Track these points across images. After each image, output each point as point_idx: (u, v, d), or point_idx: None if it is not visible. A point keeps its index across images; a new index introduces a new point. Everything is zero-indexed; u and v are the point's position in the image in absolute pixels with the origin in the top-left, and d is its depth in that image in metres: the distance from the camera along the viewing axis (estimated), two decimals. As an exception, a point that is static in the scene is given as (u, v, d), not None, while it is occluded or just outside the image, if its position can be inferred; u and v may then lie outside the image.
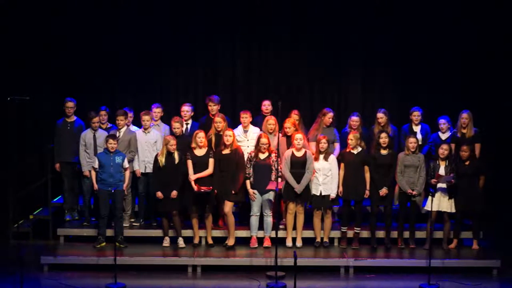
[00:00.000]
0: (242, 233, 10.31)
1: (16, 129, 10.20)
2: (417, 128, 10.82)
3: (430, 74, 12.19)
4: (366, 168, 10.11)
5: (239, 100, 12.44)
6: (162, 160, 9.99)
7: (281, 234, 9.99)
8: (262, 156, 9.98)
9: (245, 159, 10.05)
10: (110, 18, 12.14)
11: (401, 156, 10.13)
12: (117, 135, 10.34)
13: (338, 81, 12.54)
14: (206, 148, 10.05)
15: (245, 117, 10.43)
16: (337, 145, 10.62)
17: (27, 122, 11.49)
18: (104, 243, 10.10)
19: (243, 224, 10.41)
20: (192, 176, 9.95)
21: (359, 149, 10.14)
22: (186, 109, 10.74)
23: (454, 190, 10.01)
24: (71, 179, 10.93)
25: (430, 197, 9.93)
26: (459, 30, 12.09)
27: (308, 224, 10.28)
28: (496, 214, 11.46)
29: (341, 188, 10.10)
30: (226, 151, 10.00)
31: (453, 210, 10.06)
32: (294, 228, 10.19)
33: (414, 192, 10.05)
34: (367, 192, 10.11)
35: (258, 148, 9.98)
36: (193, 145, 10.03)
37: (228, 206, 10.00)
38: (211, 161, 9.99)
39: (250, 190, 9.97)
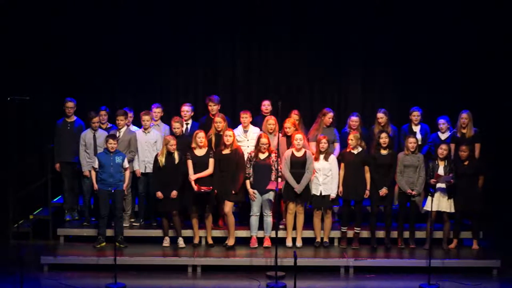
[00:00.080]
0: (242, 233, 10.31)
1: (16, 129, 10.20)
2: (416, 128, 10.83)
3: (430, 74, 12.19)
4: (366, 168, 10.11)
5: (239, 100, 12.44)
6: (162, 160, 9.99)
7: (281, 234, 9.99)
8: (262, 156, 9.98)
9: (245, 159, 10.05)
10: (110, 18, 12.14)
11: (401, 156, 10.13)
12: (117, 135, 10.34)
13: (338, 81, 12.55)
14: (206, 148, 10.05)
15: (245, 117, 10.43)
16: (337, 145, 10.62)
17: (27, 122, 11.49)
18: (104, 243, 10.10)
19: (243, 224, 10.41)
20: (192, 176, 9.95)
21: (359, 149, 10.15)
22: (186, 109, 10.74)
23: (453, 190, 10.01)
24: (71, 179, 10.93)
25: (429, 197, 9.95)
26: (459, 30, 12.10)
27: (308, 224, 10.28)
28: (495, 214, 11.46)
29: (341, 188, 10.10)
30: (226, 151, 10.00)
31: (453, 210, 10.07)
32: (294, 228, 10.19)
33: (413, 192, 10.06)
34: (367, 192, 10.11)
35: (258, 148, 9.98)
36: (193, 145, 10.03)
37: (228, 206, 10.00)
38: (211, 161, 9.99)
39: (250, 190, 9.97)
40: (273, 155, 9.93)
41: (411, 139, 10.10)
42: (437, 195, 10.03)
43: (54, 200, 11.48)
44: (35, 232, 11.06)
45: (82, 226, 10.68)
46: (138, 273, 9.57)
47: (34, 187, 11.30)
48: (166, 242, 10.19)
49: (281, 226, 10.22)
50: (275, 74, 12.46)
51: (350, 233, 10.28)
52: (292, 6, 12.29)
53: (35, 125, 11.82)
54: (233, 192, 9.95)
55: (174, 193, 9.96)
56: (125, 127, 10.53)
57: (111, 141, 9.96)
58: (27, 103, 10.09)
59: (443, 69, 12.18)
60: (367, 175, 10.12)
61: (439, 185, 9.97)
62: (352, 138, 10.10)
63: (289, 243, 10.15)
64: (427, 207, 9.95)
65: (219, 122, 10.23)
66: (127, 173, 10.18)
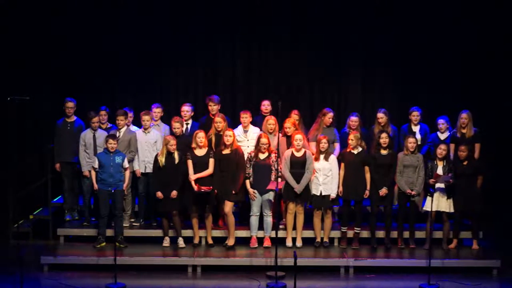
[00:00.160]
0: (242, 233, 10.31)
1: (16, 129, 10.19)
2: (416, 128, 10.83)
3: (430, 74, 12.20)
4: (366, 168, 10.11)
5: (239, 100, 12.44)
6: (162, 160, 9.99)
7: (281, 234, 9.99)
8: (262, 156, 9.98)
9: (245, 159, 10.05)
10: (110, 18, 12.14)
11: (400, 156, 10.13)
12: (117, 135, 10.34)
13: (338, 81, 12.55)
14: (206, 148, 10.05)
15: (245, 117, 10.43)
16: (337, 145, 10.62)
17: (27, 122, 11.49)
18: (104, 243, 10.10)
19: (243, 224, 10.41)
20: (192, 176, 9.95)
21: (359, 149, 10.15)
22: (186, 109, 10.74)
23: (452, 190, 10.01)
24: (71, 179, 10.93)
25: (429, 197, 9.96)
26: (459, 30, 12.10)
27: (308, 224, 10.28)
28: (495, 214, 11.47)
29: (341, 188, 10.10)
30: (226, 151, 10.00)
31: (452, 210, 10.07)
32: (294, 228, 10.19)
33: (413, 192, 10.06)
34: (367, 192, 10.11)
35: (258, 148, 9.98)
36: (193, 145, 10.03)
37: (228, 206, 10.00)
38: (211, 161, 9.99)
39: (250, 190, 9.97)
40: (273, 155, 9.93)
41: (411, 139, 10.10)
42: (436, 195, 10.03)
43: (54, 200, 11.48)
44: (35, 232, 11.06)
45: (82, 226, 10.68)
46: (138, 273, 9.57)
47: (34, 187, 11.30)
48: (166, 242, 10.19)
49: (281, 226, 10.22)
50: (275, 74, 12.46)
51: (350, 233, 10.28)
52: (292, 6, 12.29)
53: (35, 125, 11.82)
54: (233, 192, 9.95)
55: (174, 193, 9.96)
56: (125, 127, 10.53)
57: (111, 141, 9.96)
58: (27, 103, 10.09)
59: (443, 69, 12.18)
60: (367, 175, 10.12)
61: (438, 185, 9.96)
62: (353, 138, 10.10)
63: (289, 243, 10.15)
64: (427, 207, 9.96)
65: (219, 122, 10.23)
66: (127, 173, 10.18)
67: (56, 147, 10.90)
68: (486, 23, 11.99)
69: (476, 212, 10.11)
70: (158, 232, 10.40)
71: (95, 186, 10.11)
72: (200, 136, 9.99)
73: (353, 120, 10.61)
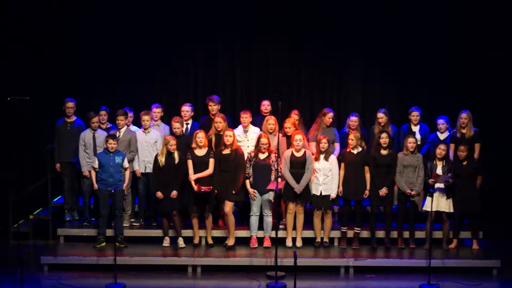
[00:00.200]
0: (242, 233, 10.31)
1: (16, 129, 10.19)
2: (415, 128, 10.83)
3: (430, 74, 12.20)
4: (366, 168, 10.11)
5: (239, 100, 12.44)
6: (162, 160, 9.99)
7: (281, 234, 9.99)
8: (262, 156, 9.97)
9: (245, 159, 10.05)
10: (110, 18, 12.15)
11: (400, 156, 10.13)
12: (117, 135, 10.33)
13: (338, 81, 12.54)
14: (207, 148, 10.05)
15: (245, 117, 10.43)
16: (337, 145, 10.62)
17: (27, 122, 11.48)
18: (104, 243, 10.09)
19: (243, 224, 10.42)
20: (192, 176, 9.95)
21: (359, 149, 10.14)
22: (186, 109, 10.74)
23: (452, 190, 10.01)
24: (71, 179, 10.93)
25: (428, 197, 9.96)
26: (459, 30, 12.10)
27: (308, 224, 10.28)
28: (495, 214, 11.47)
29: (341, 188, 10.10)
30: (226, 151, 10.00)
31: (451, 210, 10.07)
32: (294, 228, 10.19)
33: (413, 192, 10.06)
34: (367, 192, 10.11)
35: (258, 148, 9.98)
36: (193, 145, 10.03)
37: (229, 206, 10.00)
38: (211, 161, 9.99)
39: (250, 190, 9.97)
40: (273, 155, 9.93)
41: (411, 139, 10.10)
42: (436, 195, 10.03)
43: (54, 200, 11.48)
44: (35, 232, 11.07)
45: (82, 226, 10.68)
46: (138, 273, 9.56)
47: (34, 187, 11.30)
48: (166, 242, 10.19)
49: (281, 226, 10.22)
50: (275, 74, 12.46)
51: (350, 233, 10.28)
52: (292, 6, 12.28)
53: (35, 125, 11.81)
54: (233, 192, 9.95)
55: (174, 193, 9.96)
56: (125, 127, 10.53)
57: (111, 141, 9.96)
58: (27, 103, 10.10)
59: (443, 69, 12.19)
60: (367, 175, 10.12)
61: (437, 185, 9.96)
62: (353, 138, 10.10)
63: (289, 243, 10.15)
64: (426, 207, 9.96)
65: (219, 122, 10.22)
66: (127, 173, 10.18)
67: (56, 147, 10.90)
68: (486, 23, 11.98)
69: (475, 212, 10.11)
70: (158, 232, 10.40)
71: (95, 186, 10.11)
72: (200, 136, 9.99)
73: (353, 120, 10.61)
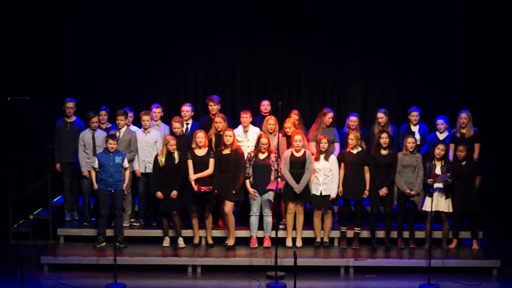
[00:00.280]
0: (242, 233, 10.31)
1: (16, 129, 10.20)
2: (415, 128, 10.82)
3: (430, 74, 12.20)
4: (366, 168, 10.11)
5: (239, 100, 12.45)
6: (162, 160, 9.99)
7: (281, 234, 9.99)
8: (261, 156, 9.97)
9: (245, 159, 10.05)
10: (110, 18, 12.15)
11: (399, 156, 10.13)
12: (117, 135, 10.33)
13: (338, 81, 12.55)
14: (207, 148, 10.05)
15: (246, 117, 10.43)
16: (337, 145, 10.62)
17: (27, 122, 11.48)
18: (104, 243, 10.09)
19: (243, 224, 10.41)
20: (192, 176, 9.95)
21: (359, 149, 10.15)
22: (186, 109, 10.74)
23: (451, 190, 10.01)
24: (71, 179, 10.93)
25: (427, 197, 9.96)
26: (459, 30, 12.10)
27: (308, 224, 10.28)
28: (495, 214, 11.48)
29: (340, 188, 10.10)
30: (226, 151, 10.00)
31: (451, 210, 10.07)
32: (294, 228, 10.19)
33: (412, 192, 10.06)
34: (366, 192, 10.11)
35: (258, 148, 9.98)
36: (193, 145, 10.03)
37: (229, 206, 10.00)
38: (211, 161, 9.99)
39: (251, 190, 9.97)
40: (272, 155, 9.93)
41: (410, 139, 10.10)
42: (435, 195, 10.02)
43: (54, 200, 11.48)
44: (35, 232, 11.07)
45: (82, 226, 10.68)
46: (138, 273, 9.56)
47: (34, 187, 11.30)
48: (166, 242, 10.19)
49: (281, 226, 10.22)
50: (275, 74, 12.46)
51: (350, 233, 10.28)
52: (292, 6, 12.28)
53: (35, 125, 11.81)
54: (233, 192, 9.95)
55: (174, 193, 9.96)
56: (125, 127, 10.53)
57: (110, 141, 9.96)
58: (27, 103, 10.10)
59: (443, 69, 12.19)
60: (367, 175, 10.12)
61: (437, 185, 9.96)
62: (353, 138, 10.10)
63: (289, 243, 10.15)
64: (426, 207, 9.96)
65: (219, 122, 10.22)
66: (127, 173, 10.18)
67: (56, 147, 10.91)
68: (486, 23, 11.98)
69: (474, 212, 10.10)
70: (158, 232, 10.40)
71: (95, 186, 10.11)
72: (200, 136, 9.98)
73: (352, 120, 10.60)
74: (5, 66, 11.51)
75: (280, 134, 10.13)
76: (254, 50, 12.50)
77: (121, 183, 10.08)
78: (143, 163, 10.54)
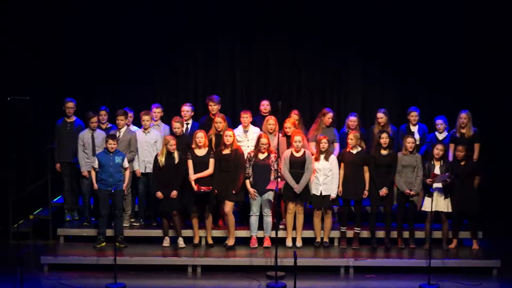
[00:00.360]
0: (242, 233, 10.31)
1: (16, 129, 10.20)
2: (414, 128, 10.82)
3: (430, 74, 12.20)
4: (366, 168, 10.11)
5: (239, 100, 12.44)
6: (162, 160, 9.99)
7: (281, 234, 9.99)
8: (261, 156, 9.97)
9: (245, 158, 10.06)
10: (110, 18, 12.14)
11: (399, 156, 10.13)
12: (117, 135, 10.33)
13: (338, 81, 12.55)
14: (207, 148, 10.05)
15: (246, 117, 10.43)
16: (336, 145, 10.62)
17: (27, 122, 11.48)
18: (104, 243, 10.09)
19: (243, 224, 10.42)
20: (192, 176, 9.95)
21: (359, 148, 10.15)
22: (186, 109, 10.74)
23: (450, 189, 10.01)
24: (71, 179, 10.93)
25: (426, 197, 9.96)
26: (459, 30, 12.10)
27: (308, 224, 10.28)
28: (495, 214, 11.48)
29: (340, 188, 10.10)
30: (226, 151, 10.00)
31: (450, 210, 10.07)
32: (294, 228, 10.19)
33: (412, 192, 10.06)
34: (366, 192, 10.11)
35: (258, 148, 9.98)
36: (194, 145, 10.03)
37: (229, 206, 10.00)
38: (211, 161, 9.99)
39: (251, 190, 9.96)
40: (272, 155, 9.93)
41: (409, 139, 10.10)
42: (434, 195, 10.02)
43: (54, 200, 11.48)
44: (35, 232, 11.07)
45: (82, 226, 10.68)
46: (138, 273, 9.56)
47: (34, 187, 11.30)
48: (166, 242, 10.19)
49: (281, 226, 10.22)
50: (275, 74, 12.46)
51: (350, 233, 10.28)
52: (292, 6, 12.28)
53: (35, 125, 11.81)
54: (234, 192, 9.95)
55: (174, 193, 9.96)
56: (125, 127, 10.53)
57: (110, 141, 9.96)
58: (27, 103, 10.10)
59: (443, 69, 12.19)
60: (366, 175, 10.12)
61: (435, 184, 9.95)
62: (352, 138, 10.10)
63: (289, 243, 10.15)
64: (425, 207, 9.97)
65: (219, 122, 10.22)
66: (127, 173, 10.18)
67: (56, 147, 10.90)
68: (486, 23, 11.98)
69: (474, 212, 10.10)
70: (158, 232, 10.40)
71: (95, 185, 10.11)
72: (199, 136, 9.98)
73: (352, 120, 10.60)
74: (5, 66, 11.51)
75: (280, 134, 10.13)
76: (254, 50, 12.50)
77: (121, 183, 10.08)
78: (143, 163, 10.54)
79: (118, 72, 12.29)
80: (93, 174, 10.14)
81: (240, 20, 12.29)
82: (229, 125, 10.36)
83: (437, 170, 9.97)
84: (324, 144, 10.04)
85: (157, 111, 10.77)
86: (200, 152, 10.01)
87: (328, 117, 10.62)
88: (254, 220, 10.09)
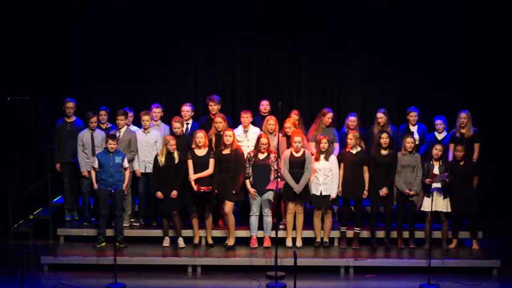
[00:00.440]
0: (242, 233, 10.31)
1: (16, 129, 10.20)
2: (414, 128, 10.82)
3: (430, 74, 12.20)
4: (365, 168, 10.11)
5: (239, 100, 12.44)
6: (162, 160, 9.99)
7: (281, 234, 9.99)
8: (261, 156, 9.98)
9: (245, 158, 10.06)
10: (110, 18, 12.14)
11: (398, 156, 10.13)
12: (117, 135, 10.34)
13: (338, 81, 12.55)
14: (207, 148, 10.05)
15: (246, 117, 10.43)
16: (336, 145, 10.61)
17: (27, 122, 11.48)
18: (104, 243, 10.09)
19: (243, 224, 10.42)
20: (192, 176, 9.95)
21: (358, 148, 10.15)
22: (186, 109, 10.74)
23: (449, 189, 10.01)
24: (71, 179, 10.93)
25: (426, 197, 9.97)
26: (459, 30, 12.10)
27: (308, 224, 10.28)
28: (495, 214, 11.48)
29: (340, 188, 10.10)
30: (226, 151, 10.00)
31: (449, 210, 10.06)
32: (294, 228, 10.19)
33: (411, 192, 10.06)
34: (365, 192, 10.11)
35: (257, 148, 9.98)
36: (194, 145, 10.03)
37: (229, 206, 10.00)
38: (211, 161, 9.99)
39: (251, 190, 9.96)
40: (272, 155, 9.93)
41: (409, 139, 10.10)
42: (433, 195, 10.01)
43: (54, 200, 11.48)
44: (35, 232, 11.07)
45: (82, 226, 10.68)
46: (138, 273, 9.56)
47: (34, 187, 11.30)
48: (166, 242, 10.19)
49: (281, 226, 10.22)
50: (275, 74, 12.46)
51: (350, 233, 10.28)
52: (292, 6, 12.28)
53: (35, 125, 11.81)
54: (233, 192, 9.95)
55: (174, 193, 9.97)
56: (125, 127, 10.53)
57: (110, 141, 9.96)
58: (27, 103, 10.10)
59: (443, 69, 12.18)
60: (366, 175, 10.12)
61: (435, 185, 9.95)
62: (352, 138, 10.10)
63: (289, 243, 10.15)
64: (425, 207, 9.97)
65: (219, 122, 10.22)
66: (127, 173, 10.18)
67: (56, 147, 10.91)
68: (486, 23, 11.98)
69: (473, 212, 10.10)
70: (158, 232, 10.40)
71: (95, 185, 10.11)
72: (199, 136, 9.98)
73: (352, 120, 10.60)
74: (5, 66, 11.50)
75: (280, 134, 10.13)
76: (254, 50, 12.49)
77: (121, 183, 10.08)
78: (143, 163, 10.54)
79: (118, 72, 12.29)
80: (93, 174, 10.14)
81: (240, 20, 12.29)
82: (229, 125, 10.36)
83: (436, 170, 9.97)
84: (324, 144, 10.04)
85: (157, 111, 10.77)
86: (200, 152, 10.01)
87: (328, 117, 10.62)
88: (254, 220, 10.09)
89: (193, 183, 9.93)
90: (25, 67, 11.68)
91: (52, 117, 11.25)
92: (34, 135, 11.74)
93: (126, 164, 10.12)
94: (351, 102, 12.47)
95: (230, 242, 10.10)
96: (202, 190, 9.88)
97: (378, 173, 10.06)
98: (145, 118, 10.50)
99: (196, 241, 10.25)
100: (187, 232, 10.27)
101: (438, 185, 9.95)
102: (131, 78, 12.24)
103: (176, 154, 9.99)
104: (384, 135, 10.08)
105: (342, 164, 10.14)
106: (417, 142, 10.47)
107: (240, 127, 10.51)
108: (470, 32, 12.06)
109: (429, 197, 9.98)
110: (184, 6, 12.26)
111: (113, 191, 9.80)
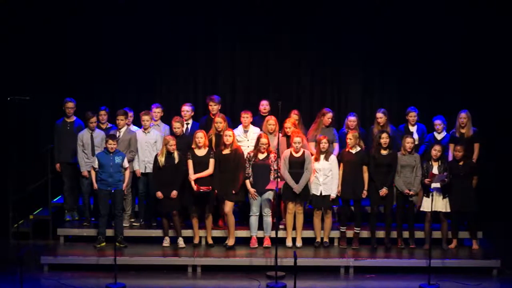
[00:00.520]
0: (242, 233, 10.31)
1: (16, 129, 10.19)
2: (413, 128, 10.82)
3: (430, 74, 12.20)
4: (365, 168, 10.11)
5: (239, 100, 12.44)
6: (162, 160, 9.99)
7: (281, 234, 9.99)
8: (261, 156, 9.98)
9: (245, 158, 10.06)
10: (110, 18, 12.14)
11: (398, 156, 10.13)
12: (117, 135, 10.34)
13: (338, 81, 12.55)
14: (207, 148, 10.05)
15: (246, 116, 10.44)
16: (336, 145, 10.61)
17: (27, 122, 11.48)
18: (104, 243, 10.09)
19: (243, 224, 10.42)
20: (192, 176, 9.95)
21: (358, 148, 10.15)
22: (186, 109, 10.74)
23: (448, 189, 10.01)
24: (71, 179, 10.93)
25: (425, 197, 9.97)
26: (460, 30, 12.10)
27: (308, 224, 10.28)
28: (494, 214, 11.48)
29: (339, 188, 10.10)
30: (226, 151, 10.00)
31: (448, 210, 10.06)
32: (294, 228, 10.19)
33: (411, 192, 10.06)
34: (365, 192, 10.11)
35: (257, 148, 9.98)
36: (194, 145, 10.03)
37: (229, 206, 10.00)
38: (211, 161, 9.99)
39: (251, 190, 9.97)
40: (272, 155, 9.93)
41: (408, 139, 10.10)
42: (433, 195, 10.01)
43: (54, 200, 11.48)
44: (35, 232, 11.06)
45: (82, 226, 10.68)
46: (138, 273, 9.57)
47: (34, 187, 11.30)
48: (166, 242, 10.19)
49: (281, 226, 10.22)
50: (275, 74, 12.46)
51: (350, 233, 10.28)
52: (292, 6, 12.28)
53: (35, 125, 11.81)
54: (233, 192, 9.95)
55: (174, 193, 9.97)
56: (125, 127, 10.53)
57: (110, 141, 9.96)
58: (27, 103, 10.09)
59: (443, 69, 12.18)
60: (365, 175, 10.12)
61: (434, 185, 9.94)
62: (351, 137, 10.10)
63: (289, 243, 10.15)
64: (424, 207, 9.97)
65: (220, 122, 10.22)
66: (127, 173, 10.18)
67: (56, 147, 10.91)
68: (486, 23, 11.98)
69: (472, 212, 10.10)
70: (158, 232, 10.40)
71: (95, 185, 10.11)
72: (199, 136, 9.98)
73: (351, 120, 10.60)
74: (5, 66, 11.50)
75: (280, 134, 10.13)
76: (254, 50, 12.49)
77: (121, 183, 10.08)
78: (143, 163, 10.54)
79: (118, 72, 12.29)
80: (93, 174, 10.14)
81: (240, 20, 12.29)
82: (229, 125, 10.35)
83: (435, 170, 9.98)
84: (324, 144, 10.04)
85: (157, 111, 10.77)
86: (200, 152, 10.02)
87: (328, 117, 10.62)
88: (254, 220, 10.10)
89: (193, 183, 9.93)
90: (25, 67, 11.67)
91: (52, 117, 11.25)
92: (34, 135, 11.74)
93: (126, 164, 10.13)
94: (351, 102, 12.47)
95: (230, 242, 10.10)
96: (202, 190, 9.89)
97: (378, 173, 10.06)
98: (145, 118, 10.50)
99: (196, 241, 10.25)
100: (187, 232, 10.27)
101: (438, 185, 9.95)
102: (131, 78, 12.24)
103: (176, 154, 9.99)
104: (384, 135, 10.08)
105: (341, 164, 10.13)
106: (416, 142, 10.47)
107: (240, 127, 10.51)
108: (470, 32, 12.05)
109: (428, 197, 9.98)
110: (184, 6, 12.25)
111: (113, 191, 9.80)
